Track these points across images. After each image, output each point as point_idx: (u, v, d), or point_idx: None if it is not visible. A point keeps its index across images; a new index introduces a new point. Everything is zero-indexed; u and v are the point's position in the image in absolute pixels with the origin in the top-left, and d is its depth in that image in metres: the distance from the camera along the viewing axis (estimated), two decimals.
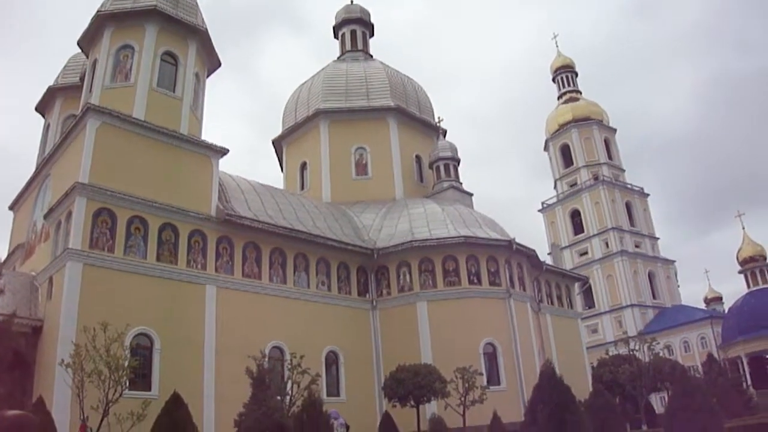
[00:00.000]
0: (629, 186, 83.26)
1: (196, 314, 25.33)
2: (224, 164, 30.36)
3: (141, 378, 22.00)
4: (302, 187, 42.77)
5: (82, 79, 30.22)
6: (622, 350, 36.40)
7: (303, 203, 34.98)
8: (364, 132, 42.12)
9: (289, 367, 21.11)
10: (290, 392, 20.21)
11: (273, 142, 46.51)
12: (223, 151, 28.67)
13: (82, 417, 15.48)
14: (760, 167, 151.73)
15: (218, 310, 26.04)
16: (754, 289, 68.03)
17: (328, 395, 28.07)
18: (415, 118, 44.69)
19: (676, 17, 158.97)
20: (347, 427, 22.28)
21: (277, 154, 46.94)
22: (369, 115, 42.69)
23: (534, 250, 37.50)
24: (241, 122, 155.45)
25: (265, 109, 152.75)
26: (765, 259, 69.62)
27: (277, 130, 46.60)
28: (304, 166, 43.51)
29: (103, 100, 26.18)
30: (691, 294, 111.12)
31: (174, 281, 25.02)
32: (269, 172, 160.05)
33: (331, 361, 30.28)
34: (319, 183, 41.18)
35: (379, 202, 38.49)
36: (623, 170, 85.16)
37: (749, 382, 57.59)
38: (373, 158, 41.69)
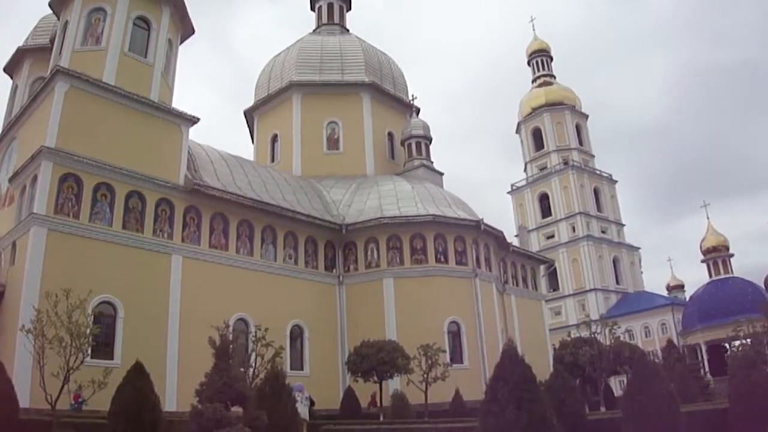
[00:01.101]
0: (598, 172, 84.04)
1: (161, 284, 25.13)
2: (194, 133, 30.02)
3: (103, 346, 21.82)
4: (273, 160, 42.45)
5: (52, 41, 29.51)
6: (584, 333, 36.81)
7: (273, 176, 34.74)
8: (337, 106, 41.85)
9: (254, 339, 21.06)
10: (254, 364, 20.19)
11: (245, 113, 46.07)
12: (194, 120, 28.30)
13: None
14: (727, 159, 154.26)
15: (183, 281, 25.84)
16: (716, 278, 69.31)
17: (291, 369, 28.12)
18: (389, 94, 44.51)
19: (654, 7, 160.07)
20: (311, 401, 22.34)
21: (249, 126, 46.51)
22: (343, 90, 42.42)
23: (501, 232, 37.74)
24: (213, 91, 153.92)
25: (238, 79, 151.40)
26: (727, 249, 70.88)
27: (250, 101, 46.16)
28: (275, 138, 43.17)
29: (73, 63, 25.63)
30: (654, 281, 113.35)
31: (139, 250, 24.76)
32: (240, 143, 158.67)
33: (296, 334, 30.31)
34: (289, 156, 40.91)
35: (350, 178, 38.39)
36: (593, 156, 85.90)
37: (707, 369, 58.80)
38: (345, 133, 41.49)
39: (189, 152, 28.48)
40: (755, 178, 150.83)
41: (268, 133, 43.77)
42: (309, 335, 30.65)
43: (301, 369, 29.72)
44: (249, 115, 45.74)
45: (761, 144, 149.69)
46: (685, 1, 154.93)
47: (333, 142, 41.37)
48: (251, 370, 19.91)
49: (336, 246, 33.61)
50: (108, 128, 24.92)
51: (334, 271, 33.22)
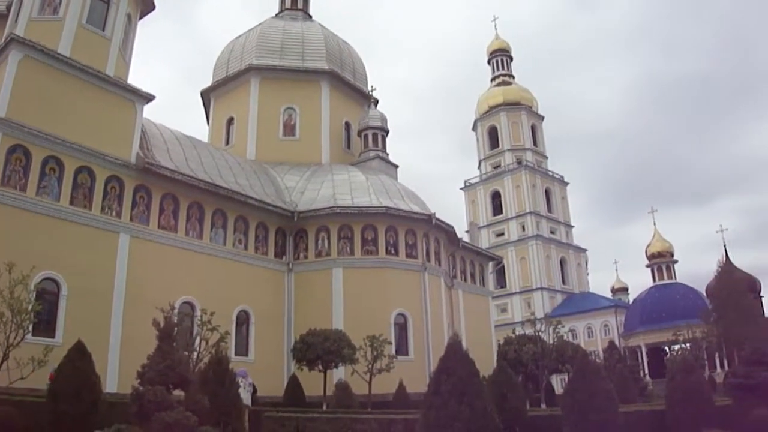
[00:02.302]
0: (550, 173, 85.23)
1: (107, 263, 24.62)
2: (149, 111, 29.51)
3: (45, 323, 21.32)
4: (227, 143, 41.92)
5: (9, 8, 28.61)
6: (529, 331, 37.40)
7: (226, 159, 34.35)
8: (295, 92, 41.51)
9: (199, 323, 20.89)
10: (198, 348, 20.01)
11: (201, 94, 45.38)
12: (149, 98, 27.76)
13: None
14: (676, 168, 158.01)
15: (130, 261, 25.37)
16: (659, 283, 71.06)
17: (236, 354, 27.96)
18: (348, 84, 44.34)
19: (615, 15, 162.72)
20: (254, 387, 22.21)
21: (205, 107, 45.83)
22: (302, 76, 42.10)
23: (452, 227, 38.04)
24: (173, 71, 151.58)
25: (199, 60, 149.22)
26: (672, 255, 72.69)
27: (207, 82, 45.49)
28: (231, 121, 42.64)
29: (28, 32, 24.82)
30: (600, 283, 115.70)
31: (86, 227, 24.21)
32: (195, 124, 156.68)
33: (242, 320, 30.07)
34: (244, 140, 40.45)
35: (304, 165, 38.18)
36: (546, 157, 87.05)
37: (646, 371, 60.30)
38: (302, 120, 41.20)
39: (142, 130, 27.93)
40: (702, 188, 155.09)
41: (223, 116, 43.20)
42: (255, 321, 30.43)
43: (246, 355, 29.51)
44: (206, 96, 45.07)
45: (709, 154, 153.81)
46: (644, 11, 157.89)
47: (289, 128, 41.04)
48: (195, 354, 19.74)
49: (287, 233, 33.42)
50: (61, 101, 24.27)
51: (284, 258, 33.04)
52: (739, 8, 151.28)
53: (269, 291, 31.69)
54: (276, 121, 40.78)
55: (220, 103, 43.88)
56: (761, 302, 68.03)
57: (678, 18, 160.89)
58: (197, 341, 20.29)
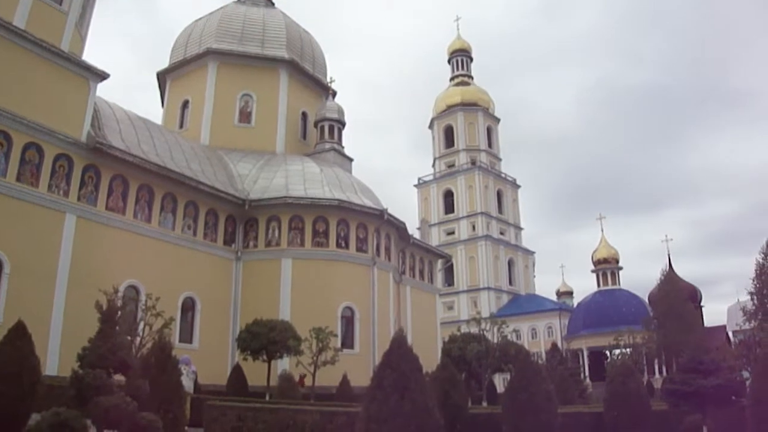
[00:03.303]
0: (503, 175, 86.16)
1: (52, 242, 24.02)
2: (103, 90, 28.89)
3: None
4: (181, 126, 41.22)
5: None
6: (474, 329, 37.76)
7: (179, 143, 33.85)
8: (253, 79, 41.06)
9: (143, 308, 20.61)
10: (141, 334, 19.75)
11: (157, 75, 44.56)
12: (104, 76, 27.11)
13: None
14: (626, 177, 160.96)
15: (76, 241, 24.78)
16: (603, 288, 72.52)
17: (180, 341, 27.66)
18: (307, 74, 44.06)
19: (575, 24, 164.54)
20: (196, 375, 22.00)
21: (160, 89, 45.05)
22: (261, 63, 41.65)
23: (404, 223, 38.21)
24: (131, 51, 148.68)
25: (156, 39, 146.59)
26: (617, 262, 74.20)
27: (164, 63, 44.69)
28: (186, 104, 41.96)
29: None
30: (546, 285, 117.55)
31: (32, 204, 23.53)
32: (149, 106, 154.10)
33: (188, 307, 29.70)
34: (199, 124, 39.85)
35: (258, 153, 37.84)
36: (500, 159, 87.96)
37: (587, 373, 61.46)
38: (259, 107, 40.76)
39: (95, 109, 27.26)
40: (651, 198, 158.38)
41: (179, 99, 42.50)
42: (201, 308, 30.11)
43: (191, 342, 29.19)
44: (162, 77, 44.28)
45: (659, 165, 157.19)
46: (605, 20, 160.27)
47: (245, 115, 40.59)
48: (138, 339, 19.49)
49: (237, 221, 33.13)
50: (12, 74, 23.48)
51: (233, 246, 32.75)
52: (695, 24, 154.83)
53: (217, 279, 31.37)
54: (232, 107, 40.29)
55: (176, 85, 43.21)
56: (701, 312, 70.02)
57: (636, 30, 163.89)
58: (141, 326, 20.02)
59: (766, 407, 12.71)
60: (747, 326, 42.13)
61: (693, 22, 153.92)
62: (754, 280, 44.42)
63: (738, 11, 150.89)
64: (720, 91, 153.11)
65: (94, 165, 26.26)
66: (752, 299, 43.96)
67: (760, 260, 44.84)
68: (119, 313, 12.65)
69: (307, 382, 25.36)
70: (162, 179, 29.05)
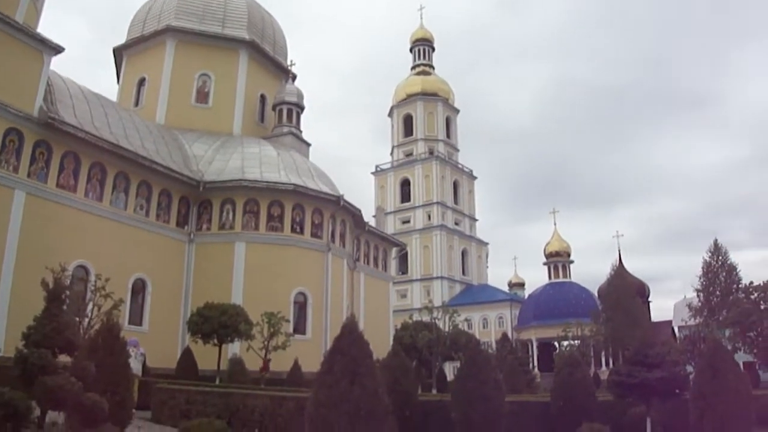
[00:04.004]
0: (460, 166, 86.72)
1: (0, 219, 23.41)
2: (57, 64, 28.15)
3: None
4: (137, 104, 40.37)
5: None
6: (426, 318, 38.06)
7: (134, 121, 33.16)
8: (211, 59, 40.35)
9: (93, 288, 20.28)
10: (90, 315, 19.43)
11: (114, 51, 43.56)
12: (58, 49, 26.36)
13: None
14: (579, 172, 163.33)
15: (24, 218, 24.06)
16: (554, 281, 73.65)
17: (130, 323, 27.22)
18: (267, 56, 43.54)
19: (537, 20, 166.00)
20: (145, 357, 21.73)
21: (116, 65, 44.07)
22: (220, 43, 40.94)
23: (360, 210, 38.21)
24: (90, 27, 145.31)
25: (114, 14, 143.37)
26: (569, 255, 75.40)
27: (122, 39, 43.64)
28: (142, 82, 41.11)
29: None
30: (498, 276, 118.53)
31: None
32: (105, 82, 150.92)
33: (138, 288, 29.21)
34: (155, 103, 39.06)
35: (215, 135, 37.30)
36: (458, 150, 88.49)
37: (535, 364, 62.43)
38: (217, 88, 40.10)
39: (48, 83, 26.52)
40: (604, 194, 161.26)
41: (135, 76, 41.59)
42: (152, 290, 29.65)
43: (140, 324, 28.71)
44: (118, 54, 43.23)
45: (613, 163, 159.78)
46: (565, 20, 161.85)
47: (202, 96, 39.93)
48: (87, 320, 19.17)
49: (191, 202, 32.69)
50: None
51: (186, 228, 32.32)
52: (653, 27, 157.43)
53: (168, 261, 30.94)
54: (189, 86, 39.58)
55: (133, 62, 42.28)
56: (648, 307, 71.67)
57: (597, 30, 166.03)
58: (90, 307, 19.69)
59: (707, 401, 13.04)
60: (692, 322, 43.31)
61: (651, 24, 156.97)
62: (700, 278, 45.67)
63: (694, 17, 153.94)
64: (675, 94, 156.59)
65: (46, 141, 25.57)
66: (698, 296, 45.21)
67: (707, 259, 46.13)
68: (67, 292, 12.40)
69: (258, 366, 25.21)
70: (115, 158, 28.44)
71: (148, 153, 30.65)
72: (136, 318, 28.73)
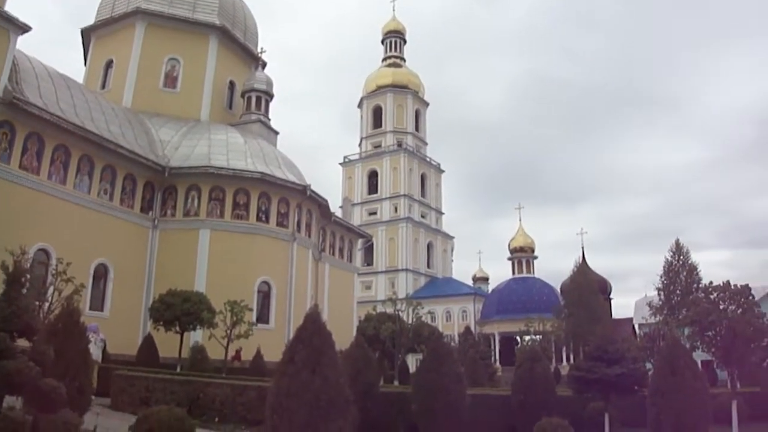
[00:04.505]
0: (428, 159, 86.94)
1: None
2: (26, 44, 27.57)
3: None
4: (103, 87, 39.71)
5: None
6: (390, 309, 38.18)
7: (101, 103, 32.68)
8: (181, 43, 39.89)
9: (54, 272, 19.99)
10: (50, 299, 19.16)
11: (82, 32, 42.78)
12: (25, 28, 25.83)
13: None
14: (546, 168, 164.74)
15: None
16: (518, 276, 74.26)
17: (91, 309, 26.91)
18: (238, 42, 43.16)
19: (510, 15, 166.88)
20: (105, 343, 21.50)
21: (84, 46, 43.31)
22: (191, 28, 40.45)
23: (326, 200, 38.16)
24: (59, 6, 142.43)
25: None
26: (533, 251, 76.09)
27: (91, 20, 42.86)
28: (110, 64, 40.45)
29: None
30: (463, 270, 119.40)
31: None
32: (72, 63, 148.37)
33: (100, 274, 28.85)
34: (122, 86, 38.48)
35: (182, 120, 36.91)
36: (426, 143, 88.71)
37: (497, 357, 62.97)
38: (185, 73, 39.67)
39: (14, 62, 26.03)
40: (570, 192, 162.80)
41: (103, 58, 40.91)
42: (114, 276, 29.31)
43: (102, 310, 28.38)
44: (86, 35, 42.49)
45: (580, 160, 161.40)
46: (540, 14, 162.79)
47: (171, 80, 39.47)
48: (47, 304, 18.90)
49: (156, 188, 32.36)
50: None
51: (150, 213, 31.99)
52: (627, 28, 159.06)
53: (132, 246, 30.60)
54: (158, 70, 39.07)
55: (101, 44, 41.59)
56: (610, 304, 72.69)
57: (568, 28, 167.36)
58: (50, 291, 19.41)
59: (665, 398, 13.27)
60: (652, 320, 44.06)
61: (625, 25, 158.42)
62: (661, 277, 46.57)
63: (663, 19, 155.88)
64: (643, 94, 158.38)
65: (9, 121, 25.08)
66: (659, 295, 46.07)
67: (669, 258, 46.99)
68: (27, 275, 12.22)
69: (220, 354, 25.09)
70: (80, 140, 28.00)
71: (113, 136, 30.25)
72: (98, 303, 28.41)
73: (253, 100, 41.22)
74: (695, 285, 41.64)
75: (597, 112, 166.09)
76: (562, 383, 24.14)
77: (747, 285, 17.23)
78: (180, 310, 24.54)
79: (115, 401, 17.06)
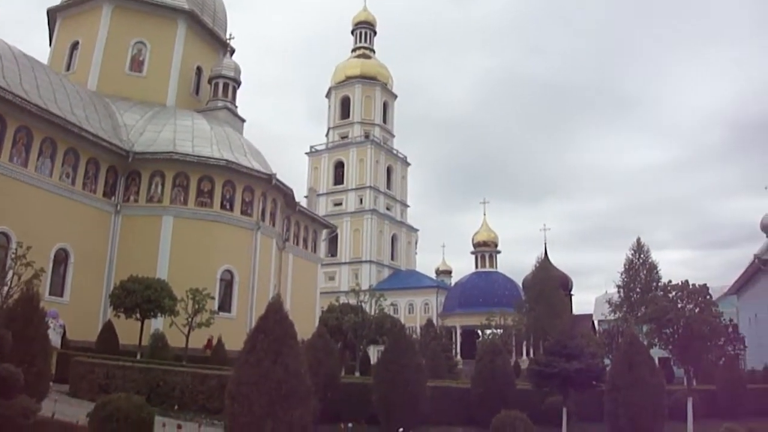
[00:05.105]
0: (395, 151, 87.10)
1: None
2: None
3: None
4: (68, 68, 39.03)
5: None
6: (353, 301, 38.27)
7: (65, 86, 32.12)
8: (148, 27, 39.29)
9: (13, 256, 19.69)
10: (9, 283, 18.88)
11: (48, 12, 41.96)
12: None
13: None
14: (512, 164, 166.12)
15: None
16: (481, 270, 74.88)
17: (51, 294, 26.54)
18: (206, 27, 42.71)
19: (482, 11, 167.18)
20: (64, 329, 21.29)
21: (50, 27, 42.47)
22: (159, 11, 39.87)
23: (292, 190, 38.11)
24: None
25: None
26: (496, 246, 76.81)
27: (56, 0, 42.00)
28: (75, 46, 39.70)
29: None
30: (426, 263, 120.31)
31: None
32: (37, 44, 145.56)
33: (61, 259, 28.42)
34: (87, 68, 37.84)
35: (147, 105, 36.46)
36: (393, 136, 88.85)
37: (458, 350, 63.50)
38: (152, 57, 39.12)
39: None
40: (534, 188, 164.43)
41: (68, 39, 40.12)
42: (75, 261, 28.90)
43: (61, 296, 27.98)
44: (52, 15, 41.68)
45: (546, 158, 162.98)
46: (511, 10, 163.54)
47: (137, 64, 38.91)
48: (6, 288, 18.64)
49: (119, 173, 31.95)
50: None
51: (113, 198, 31.60)
52: (597, 28, 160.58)
53: (93, 232, 30.21)
54: (124, 53, 38.47)
55: (67, 25, 40.82)
56: (571, 300, 73.75)
57: (538, 27, 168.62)
58: (9, 275, 19.13)
59: (622, 393, 13.58)
60: (612, 317, 44.81)
61: (594, 25, 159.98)
62: (622, 275, 47.31)
63: (636, 23, 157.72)
64: (612, 95, 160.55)
65: None
66: (619, 292, 46.83)
67: (630, 256, 47.76)
68: None
69: (181, 343, 24.93)
70: (43, 122, 27.48)
71: (77, 119, 29.79)
72: (57, 289, 28.02)
73: (221, 86, 40.89)
74: (655, 283, 42.32)
75: (563, 111, 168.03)
76: (522, 377, 24.46)
77: (705, 285, 17.62)
78: (141, 297, 24.30)
79: (73, 388, 16.91)
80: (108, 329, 25.03)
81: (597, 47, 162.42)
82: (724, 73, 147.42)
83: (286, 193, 37.55)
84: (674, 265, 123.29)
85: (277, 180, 35.03)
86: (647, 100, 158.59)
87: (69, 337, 22.85)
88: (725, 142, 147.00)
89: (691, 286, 17.46)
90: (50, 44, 41.78)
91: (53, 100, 29.37)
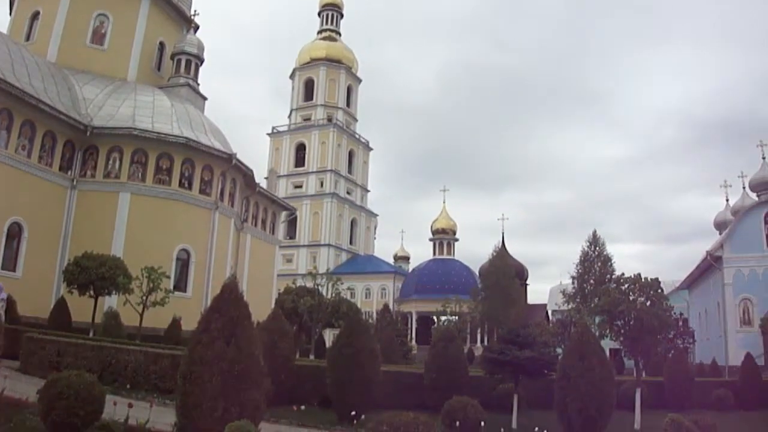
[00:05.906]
0: (357, 136, 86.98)
1: None
2: None
3: None
4: (28, 38, 38.03)
5: None
6: (310, 284, 38.31)
7: (24, 56, 31.34)
8: None
9: None
10: None
11: None
12: None
13: None
14: (473, 153, 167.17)
15: None
16: (438, 257, 75.39)
17: (3, 269, 26.16)
18: (170, 2, 41.95)
19: (452, 0, 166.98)
20: (7, 303, 20.89)
21: None
22: None
23: (252, 170, 37.89)
24: None
25: None
26: (454, 233, 77.43)
27: None
28: (36, 15, 38.66)
29: None
30: (385, 248, 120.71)
31: None
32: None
33: (14, 233, 27.85)
34: (47, 39, 36.89)
35: (108, 79, 35.77)
36: (356, 120, 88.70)
37: (414, 336, 63.99)
38: (114, 30, 38.27)
39: None
40: (494, 178, 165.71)
41: (29, 8, 38.97)
42: (28, 236, 28.33)
43: (14, 270, 27.42)
44: None
45: (506, 148, 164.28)
46: (475, 3, 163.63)
47: (98, 37, 38.08)
48: None
49: (76, 147, 31.38)
50: None
51: (70, 173, 31.02)
52: (562, 21, 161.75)
53: (48, 206, 29.65)
54: (85, 25, 37.58)
55: None
56: (526, 289, 74.77)
57: (506, 18, 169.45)
58: None
59: (572, 382, 13.85)
60: (565, 307, 45.55)
61: (557, 20, 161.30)
62: (577, 266, 48.15)
63: (599, 19, 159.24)
64: (572, 89, 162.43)
65: None
66: (573, 283, 47.65)
67: (586, 248, 48.58)
68: None
69: (136, 321, 24.72)
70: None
71: (35, 91, 29.15)
72: (10, 264, 27.47)
73: (183, 63, 40.35)
74: (608, 275, 43.14)
75: (526, 102, 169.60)
76: (475, 364, 24.82)
77: (657, 279, 18.06)
78: (95, 274, 24.08)
79: (24, 364, 16.70)
80: (61, 306, 24.68)
81: (560, 42, 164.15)
82: (680, 72, 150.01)
83: (246, 174, 37.32)
84: (629, 259, 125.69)
85: (237, 160, 34.79)
86: (607, 96, 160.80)
87: (21, 313, 22.51)
88: (681, 140, 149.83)
89: (643, 280, 17.88)
90: (10, 13, 40.68)
91: (11, 70, 28.70)
